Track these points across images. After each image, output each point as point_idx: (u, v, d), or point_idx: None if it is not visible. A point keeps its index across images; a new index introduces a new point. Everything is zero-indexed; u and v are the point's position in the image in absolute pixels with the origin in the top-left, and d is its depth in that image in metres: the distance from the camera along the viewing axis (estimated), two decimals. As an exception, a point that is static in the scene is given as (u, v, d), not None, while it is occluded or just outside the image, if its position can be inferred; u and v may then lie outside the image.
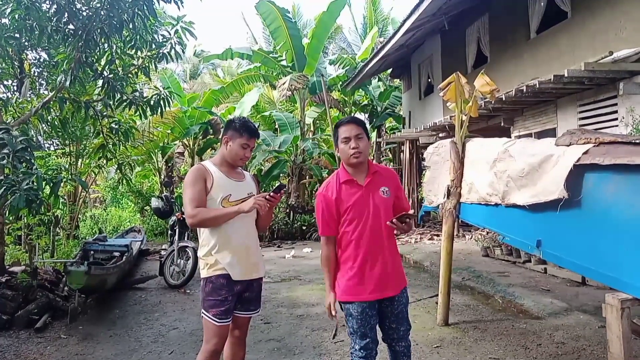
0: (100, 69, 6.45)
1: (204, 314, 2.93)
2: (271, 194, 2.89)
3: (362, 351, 2.80)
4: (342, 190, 2.84)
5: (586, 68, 6.26)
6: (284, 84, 14.04)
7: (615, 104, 6.69)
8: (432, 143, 6.31)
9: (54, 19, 5.61)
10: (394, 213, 2.84)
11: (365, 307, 2.78)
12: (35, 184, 4.52)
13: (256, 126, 3.20)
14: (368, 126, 18.14)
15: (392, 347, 2.94)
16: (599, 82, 6.72)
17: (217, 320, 2.88)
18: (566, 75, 6.36)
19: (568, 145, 3.49)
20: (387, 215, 2.79)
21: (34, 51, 7.63)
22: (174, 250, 7.68)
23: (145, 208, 16.38)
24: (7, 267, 6.65)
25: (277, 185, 2.98)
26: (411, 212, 2.81)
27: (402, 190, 3.00)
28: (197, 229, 3.05)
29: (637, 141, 3.15)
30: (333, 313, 2.86)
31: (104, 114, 7.03)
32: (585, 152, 3.26)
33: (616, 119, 6.65)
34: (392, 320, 2.88)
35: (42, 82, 7.99)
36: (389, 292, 2.82)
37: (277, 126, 16.17)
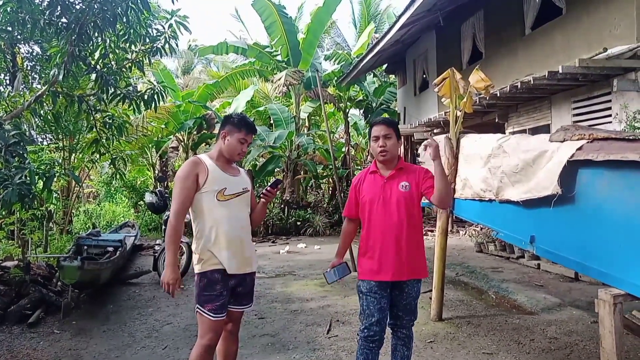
0: (93, 63, 6.40)
1: (199, 309, 2.92)
2: (268, 188, 2.96)
3: (365, 330, 2.98)
4: (367, 179, 3.19)
5: (580, 64, 6.28)
6: (279, 79, 13.99)
7: (609, 101, 6.72)
8: (426, 139, 6.30)
9: (47, 12, 5.55)
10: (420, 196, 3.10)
11: (374, 286, 2.99)
12: (27, 178, 4.48)
13: (253, 122, 3.22)
14: (362, 122, 18.21)
15: (394, 332, 3.19)
16: (593, 79, 6.75)
17: (213, 315, 2.88)
18: (560, 71, 6.38)
19: (562, 141, 3.49)
20: (405, 208, 3.01)
21: (26, 45, 7.56)
22: (168, 245, 7.64)
23: (139, 203, 16.32)
24: (0, 262, 6.62)
25: (273, 180, 3.02)
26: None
27: (429, 177, 3.09)
28: (192, 223, 3.06)
29: (631, 137, 3.16)
30: (328, 269, 3.23)
31: (98, 108, 6.98)
32: (579, 148, 3.27)
33: (610, 115, 6.68)
34: (400, 309, 3.10)
35: (35, 75, 7.91)
36: (398, 277, 2.99)
37: (272, 121, 16.13)
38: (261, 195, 3.15)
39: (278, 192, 15.10)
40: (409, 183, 3.06)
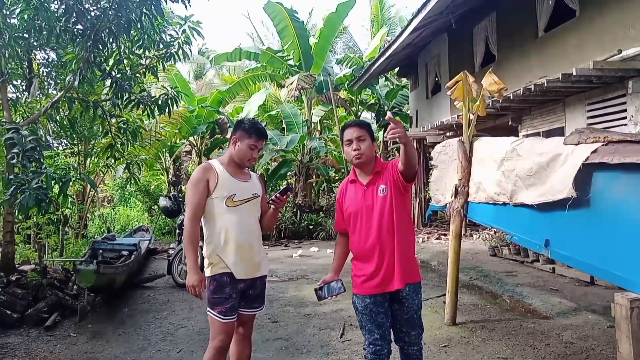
0: (108, 68, 6.49)
1: (210, 311, 2.97)
2: (277, 195, 2.95)
3: (370, 347, 2.86)
4: (349, 189, 3.02)
5: (595, 67, 6.23)
6: (291, 83, 14.06)
7: (624, 103, 6.65)
8: (439, 142, 6.29)
9: (63, 19, 5.65)
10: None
11: (369, 303, 2.83)
12: (44, 183, 4.56)
13: (265, 128, 3.23)
14: (375, 126, 18.26)
15: (403, 350, 2.97)
16: (608, 81, 6.68)
17: (223, 317, 2.93)
18: (574, 73, 6.33)
19: (576, 144, 3.46)
20: (388, 213, 2.82)
21: (42, 51, 7.69)
22: (181, 249, 7.70)
23: (153, 207, 16.47)
24: (17, 265, 6.72)
25: (283, 187, 3.02)
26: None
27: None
28: (202, 228, 3.10)
29: (647, 140, 3.13)
30: (319, 284, 3.01)
31: (112, 113, 7.07)
32: (594, 151, 3.24)
33: (625, 117, 6.60)
34: (403, 324, 2.91)
35: (51, 81, 8.04)
36: (391, 287, 2.81)
37: (284, 125, 16.20)
38: (270, 202, 3.14)
39: (290, 197, 15.15)
40: (386, 185, 2.84)
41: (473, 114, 5.15)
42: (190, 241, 2.95)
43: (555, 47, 8.27)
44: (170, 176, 16.78)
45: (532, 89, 7.19)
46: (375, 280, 2.82)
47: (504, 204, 4.35)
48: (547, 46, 8.53)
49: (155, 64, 6.80)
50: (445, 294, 5.42)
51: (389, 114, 2.54)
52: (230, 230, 2.98)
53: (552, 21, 8.40)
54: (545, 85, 6.87)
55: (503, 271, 7.68)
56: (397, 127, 2.45)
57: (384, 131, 16.77)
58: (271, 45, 19.96)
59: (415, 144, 14.04)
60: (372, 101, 18.24)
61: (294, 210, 14.58)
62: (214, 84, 26.20)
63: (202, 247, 3.09)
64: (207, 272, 3.01)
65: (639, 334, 2.90)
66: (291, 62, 15.73)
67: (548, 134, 8.21)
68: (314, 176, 15.99)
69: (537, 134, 8.60)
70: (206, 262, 3.04)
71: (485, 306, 5.96)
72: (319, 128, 18.27)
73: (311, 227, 14.04)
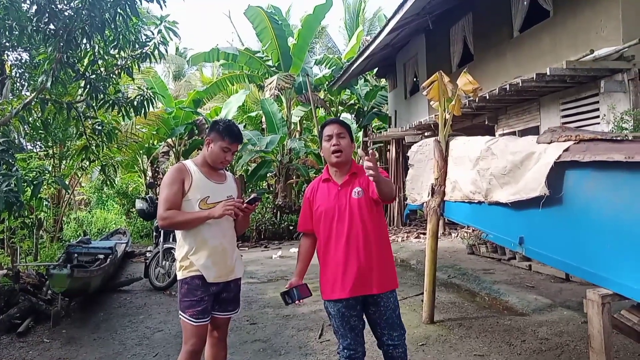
0: (82, 69, 6.37)
1: (181, 315, 2.93)
2: (245, 204, 2.89)
3: (345, 351, 2.85)
4: (320, 189, 2.96)
5: (568, 66, 6.33)
6: (271, 83, 14.02)
7: (597, 102, 6.77)
8: (417, 142, 6.32)
9: (34, 19, 5.52)
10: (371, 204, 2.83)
11: (341, 307, 2.80)
12: (15, 186, 4.45)
13: (240, 130, 3.17)
14: (355, 126, 18.32)
15: (388, 353, 2.90)
16: (581, 80, 6.80)
17: (194, 320, 2.88)
18: (548, 73, 6.43)
19: (549, 143, 3.51)
20: (362, 216, 2.79)
21: (14, 52, 7.52)
22: (159, 252, 7.62)
23: (131, 210, 16.25)
24: (-11, 271, 6.55)
25: (251, 196, 2.97)
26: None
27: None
28: (175, 231, 3.05)
29: (617, 138, 3.19)
30: (286, 288, 3.03)
31: (87, 115, 6.95)
32: (566, 150, 3.28)
33: (598, 116, 6.73)
34: (383, 326, 2.85)
35: (24, 83, 7.87)
36: (366, 291, 2.78)
37: (264, 126, 16.11)
38: None
39: (270, 197, 15.12)
40: (361, 188, 2.81)
41: (449, 114, 5.19)
42: (175, 218, 2.86)
43: (530, 47, 8.39)
44: (147, 178, 16.58)
45: (508, 89, 7.28)
46: (348, 282, 2.76)
47: (480, 202, 4.39)
48: (522, 46, 8.65)
49: (130, 65, 6.69)
50: (423, 293, 5.45)
51: (371, 151, 2.52)
52: (203, 233, 2.93)
53: (527, 21, 8.53)
54: (520, 85, 6.96)
55: (480, 269, 7.75)
56: (372, 165, 2.44)
57: (364, 132, 16.73)
58: (251, 47, 19.87)
59: (394, 144, 14.11)
60: (352, 101, 18.29)
61: (274, 211, 14.54)
62: (192, 84, 25.95)
63: (174, 250, 3.05)
64: (179, 275, 2.97)
65: (610, 329, 2.95)
66: (270, 62, 15.68)
67: (524, 133, 8.32)
68: (294, 177, 15.96)
69: (513, 133, 8.71)
70: (178, 265, 2.99)
71: (463, 304, 6.01)
72: (298, 129, 18.23)
73: (291, 228, 14.00)
